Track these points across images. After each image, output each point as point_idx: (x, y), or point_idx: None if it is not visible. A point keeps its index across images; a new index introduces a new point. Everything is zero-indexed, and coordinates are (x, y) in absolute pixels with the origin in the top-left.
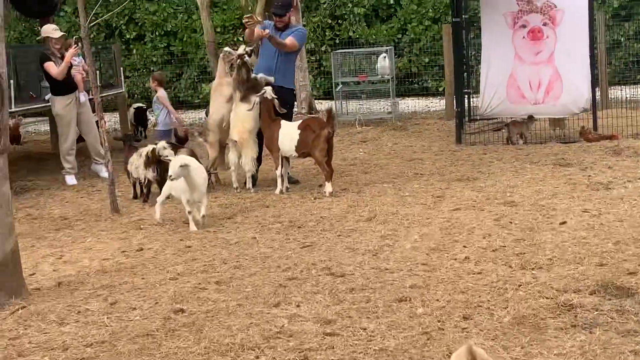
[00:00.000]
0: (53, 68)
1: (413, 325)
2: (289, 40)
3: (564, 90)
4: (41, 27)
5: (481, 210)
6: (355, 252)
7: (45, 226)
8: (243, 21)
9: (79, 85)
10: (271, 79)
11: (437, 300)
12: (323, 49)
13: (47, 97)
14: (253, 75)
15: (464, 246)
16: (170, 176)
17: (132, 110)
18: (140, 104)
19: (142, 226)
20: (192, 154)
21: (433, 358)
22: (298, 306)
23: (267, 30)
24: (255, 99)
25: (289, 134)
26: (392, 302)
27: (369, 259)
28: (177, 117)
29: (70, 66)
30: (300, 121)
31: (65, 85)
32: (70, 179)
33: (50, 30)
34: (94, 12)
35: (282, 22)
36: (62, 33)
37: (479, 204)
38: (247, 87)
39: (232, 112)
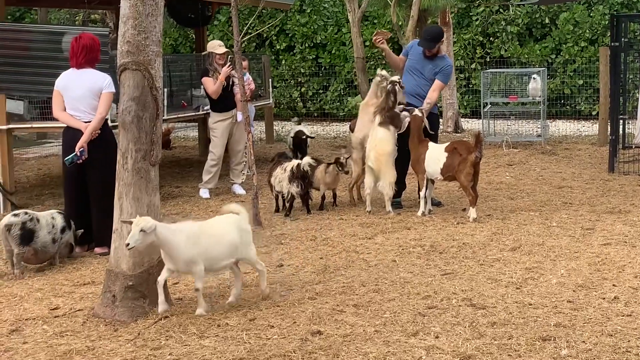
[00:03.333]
0: (210, 85)
1: None
2: (437, 87)
3: None
4: (195, 36)
5: (633, 246)
6: (497, 284)
7: None
8: (372, 38)
9: (237, 104)
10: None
11: (583, 342)
12: (473, 66)
13: (205, 108)
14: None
15: (614, 285)
16: (127, 244)
17: (291, 134)
18: (300, 127)
19: (282, 241)
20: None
21: None
22: (437, 337)
23: (423, 117)
24: (406, 120)
25: (435, 156)
26: (535, 341)
27: (512, 292)
28: None
29: (233, 84)
30: (448, 144)
31: (222, 103)
32: (204, 193)
33: (215, 46)
34: (248, 25)
35: (431, 52)
36: (226, 50)
37: (631, 240)
38: (390, 115)
39: (370, 135)
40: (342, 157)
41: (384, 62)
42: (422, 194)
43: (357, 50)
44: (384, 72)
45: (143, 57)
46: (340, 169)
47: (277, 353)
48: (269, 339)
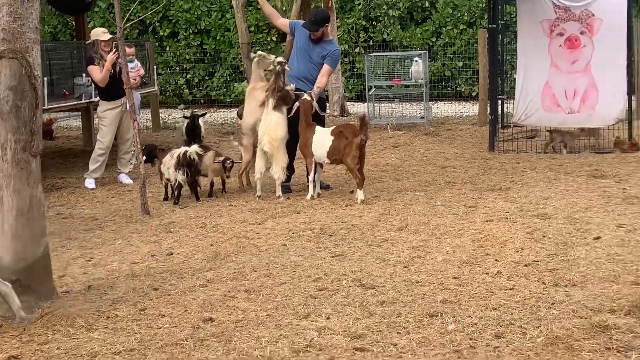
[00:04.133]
0: (97, 73)
1: (444, 342)
2: (325, 72)
3: (599, 100)
4: (75, 23)
5: (514, 222)
6: (386, 263)
7: (76, 226)
8: None
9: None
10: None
11: (469, 316)
12: (357, 50)
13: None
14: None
15: (496, 260)
16: None
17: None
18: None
19: (172, 229)
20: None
21: None
22: (328, 318)
23: (310, 96)
24: (295, 103)
25: (321, 140)
26: (423, 317)
27: (400, 271)
28: None
29: (120, 71)
30: (334, 127)
31: (111, 91)
32: (90, 183)
33: (100, 33)
34: (130, 11)
35: (316, 36)
36: (111, 36)
37: (511, 216)
38: (281, 96)
39: (263, 120)
40: (228, 163)
41: (269, 47)
42: (310, 177)
43: (241, 35)
44: (260, 52)
45: (20, 45)
46: (224, 171)
47: (169, 342)
48: (160, 328)
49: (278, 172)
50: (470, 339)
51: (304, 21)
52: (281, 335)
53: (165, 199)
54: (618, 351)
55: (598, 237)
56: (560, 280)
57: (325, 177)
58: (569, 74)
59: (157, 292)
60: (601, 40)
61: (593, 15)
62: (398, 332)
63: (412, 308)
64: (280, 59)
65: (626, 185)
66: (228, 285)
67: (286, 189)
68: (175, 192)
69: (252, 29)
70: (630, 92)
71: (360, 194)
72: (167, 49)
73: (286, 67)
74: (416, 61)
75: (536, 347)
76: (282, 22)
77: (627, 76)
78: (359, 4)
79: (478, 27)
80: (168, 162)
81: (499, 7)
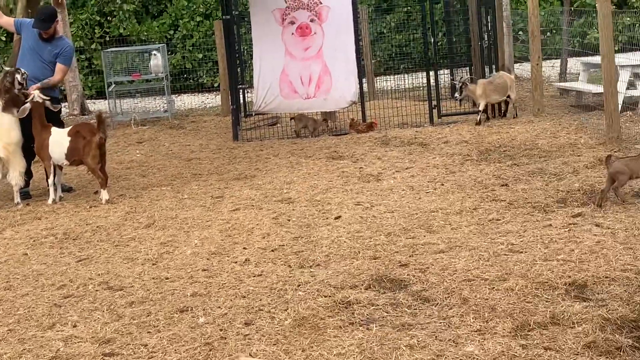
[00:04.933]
0: None
1: (195, 336)
2: (60, 71)
3: (333, 85)
4: None
5: (260, 209)
6: (134, 263)
7: None
8: None
9: None
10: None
11: (219, 307)
12: (93, 47)
13: None
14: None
15: (244, 248)
16: None
17: None
18: None
19: None
20: None
21: None
22: (75, 326)
23: (36, 86)
24: (26, 105)
25: (59, 141)
26: (173, 314)
27: (148, 269)
28: None
29: None
30: (71, 127)
31: None
32: None
33: None
34: None
35: (48, 34)
36: None
37: (257, 203)
38: (9, 97)
39: None
40: None
41: None
42: (50, 181)
43: None
44: None
45: None
46: None
47: None
48: None
49: (15, 178)
50: (221, 330)
51: (30, 19)
52: (24, 349)
53: None
54: (360, 325)
55: (339, 217)
56: (305, 261)
57: (67, 178)
58: (303, 61)
59: None
60: (330, 26)
61: (321, 3)
62: (148, 332)
63: (162, 305)
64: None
65: (362, 165)
66: None
67: (25, 194)
68: None
69: None
70: (361, 75)
71: (104, 194)
72: None
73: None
74: (155, 55)
75: (284, 330)
76: (6, 21)
77: (356, 60)
78: None
79: (214, 18)
80: None
81: None
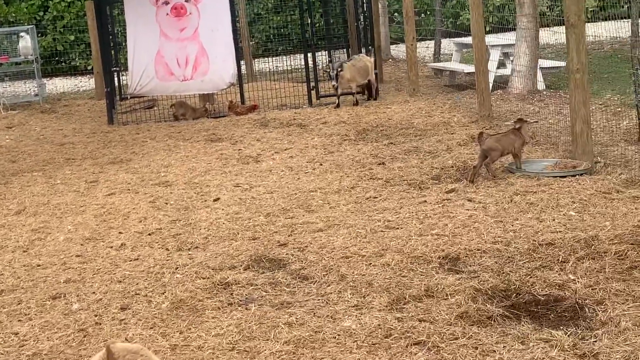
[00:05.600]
0: None
1: (68, 323)
2: None
3: (210, 66)
4: None
5: (136, 193)
6: (4, 250)
7: None
8: None
9: None
10: None
11: (94, 293)
12: None
13: None
14: None
15: (120, 232)
16: None
17: None
18: None
19: None
20: None
21: (90, 356)
22: None
23: None
24: None
25: None
26: (45, 301)
27: (19, 256)
28: None
29: None
30: None
31: None
32: None
33: None
34: None
35: None
36: None
37: (134, 187)
38: None
39: None
40: None
41: None
42: None
43: None
44: None
45: None
46: None
47: None
48: None
49: None
50: (96, 316)
51: None
52: None
53: None
54: (239, 305)
55: (217, 199)
56: (183, 244)
57: None
58: (178, 42)
59: None
60: (205, 7)
61: None
62: (19, 320)
63: (34, 293)
64: None
65: (241, 147)
66: None
67: None
68: None
69: None
70: (239, 57)
71: None
72: None
73: None
74: (23, 37)
75: (162, 313)
76: None
77: (234, 42)
78: None
79: None
80: None
81: None
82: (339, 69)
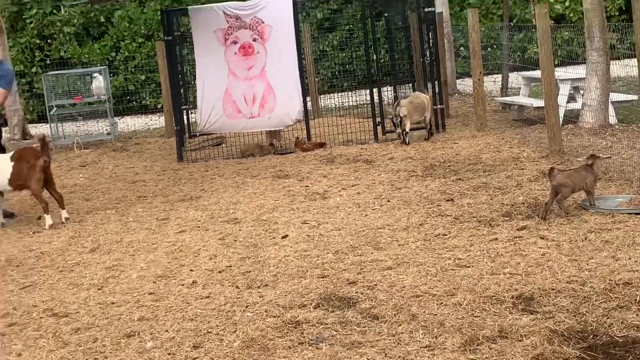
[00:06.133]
0: None
1: None
2: (0, 94)
3: (277, 103)
4: None
5: (206, 230)
6: (79, 288)
7: None
8: None
9: None
10: None
11: (167, 331)
12: (34, 70)
13: None
14: None
15: (191, 270)
16: None
17: None
18: None
19: None
20: None
21: None
22: (19, 355)
23: None
24: None
25: (1, 167)
26: (120, 339)
27: (94, 294)
28: None
29: None
30: (13, 152)
31: None
32: None
33: None
34: None
35: None
36: None
37: (204, 224)
38: None
39: None
40: None
41: None
42: None
43: None
44: None
45: None
46: None
47: None
48: None
49: None
50: (169, 354)
51: None
52: None
53: None
54: (310, 344)
55: (286, 236)
56: (253, 282)
57: (9, 205)
58: (246, 80)
59: None
60: (273, 45)
61: (263, 22)
62: (95, 358)
63: (109, 331)
64: None
65: (308, 183)
66: None
67: None
68: None
69: None
70: (305, 93)
71: (47, 219)
72: None
73: None
74: (96, 77)
75: (233, 352)
76: None
77: (300, 78)
78: (31, 23)
79: (156, 39)
80: None
81: (173, 19)
82: (398, 109)
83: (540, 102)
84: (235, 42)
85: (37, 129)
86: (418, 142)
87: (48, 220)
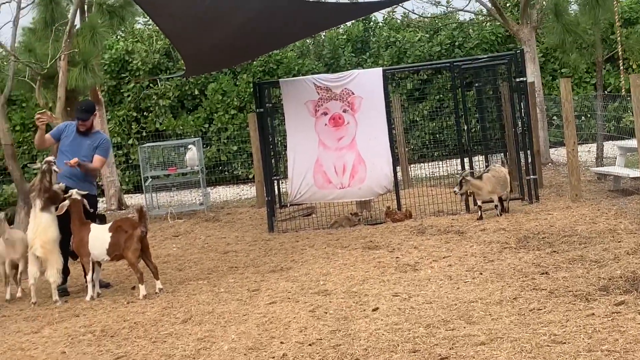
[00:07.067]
0: None
1: None
2: (97, 161)
3: (367, 173)
4: None
5: (296, 301)
6: (171, 359)
7: None
8: (35, 118)
9: None
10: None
11: None
12: (130, 142)
13: None
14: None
15: (282, 342)
16: None
17: None
18: None
19: None
20: None
21: None
22: None
23: (74, 159)
24: (64, 202)
25: (99, 236)
26: None
27: None
28: None
29: None
30: (112, 223)
31: None
32: None
33: None
34: None
35: (85, 126)
36: None
37: (294, 295)
38: (49, 196)
39: (32, 222)
40: None
41: None
42: (88, 277)
43: (3, 136)
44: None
45: None
46: None
47: None
48: None
49: (54, 276)
50: None
51: (63, 123)
52: None
53: None
54: None
55: (376, 308)
56: (344, 356)
57: (105, 274)
58: (336, 151)
59: None
60: (363, 116)
61: (353, 93)
62: None
63: None
64: (50, 158)
65: (399, 254)
66: None
67: (63, 291)
68: None
69: (17, 127)
70: (395, 163)
71: (142, 289)
72: None
73: (54, 168)
74: (190, 148)
75: None
76: (48, 139)
77: (390, 148)
78: (129, 96)
79: (248, 111)
80: None
81: (265, 91)
82: (466, 178)
83: (637, 173)
84: (325, 114)
85: (133, 199)
86: (511, 214)
87: (142, 290)
